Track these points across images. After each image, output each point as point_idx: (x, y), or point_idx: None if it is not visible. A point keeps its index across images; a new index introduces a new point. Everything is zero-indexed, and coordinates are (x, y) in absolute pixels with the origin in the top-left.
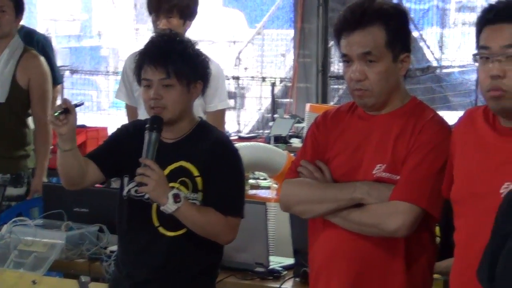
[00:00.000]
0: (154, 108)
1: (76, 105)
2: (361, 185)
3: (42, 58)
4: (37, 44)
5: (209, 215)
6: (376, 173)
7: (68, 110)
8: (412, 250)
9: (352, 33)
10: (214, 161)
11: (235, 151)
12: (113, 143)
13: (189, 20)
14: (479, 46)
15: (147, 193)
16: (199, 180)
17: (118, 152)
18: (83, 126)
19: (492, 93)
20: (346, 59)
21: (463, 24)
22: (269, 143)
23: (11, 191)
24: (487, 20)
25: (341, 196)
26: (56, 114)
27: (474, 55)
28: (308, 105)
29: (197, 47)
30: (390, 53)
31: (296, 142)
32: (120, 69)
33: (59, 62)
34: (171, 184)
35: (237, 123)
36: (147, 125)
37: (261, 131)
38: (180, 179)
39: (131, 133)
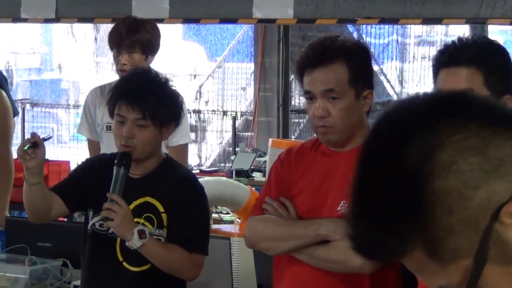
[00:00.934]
0: (125, 146)
1: (45, 139)
2: (326, 222)
3: (3, 93)
4: None
5: (174, 252)
6: (341, 209)
7: (36, 144)
8: (377, 287)
9: (315, 70)
10: (180, 198)
11: (200, 189)
12: (78, 177)
13: (151, 55)
14: (436, 89)
15: (113, 229)
16: (164, 216)
17: (83, 185)
18: (45, 160)
19: None
20: (309, 96)
21: (423, 58)
22: (231, 177)
23: None
24: (442, 62)
25: (306, 233)
26: (25, 148)
27: None
28: (270, 140)
29: (173, 86)
30: (353, 90)
31: (258, 176)
32: (81, 102)
33: (19, 95)
34: (136, 219)
35: (198, 157)
36: (116, 161)
37: (222, 164)
38: (145, 214)
39: (96, 167)
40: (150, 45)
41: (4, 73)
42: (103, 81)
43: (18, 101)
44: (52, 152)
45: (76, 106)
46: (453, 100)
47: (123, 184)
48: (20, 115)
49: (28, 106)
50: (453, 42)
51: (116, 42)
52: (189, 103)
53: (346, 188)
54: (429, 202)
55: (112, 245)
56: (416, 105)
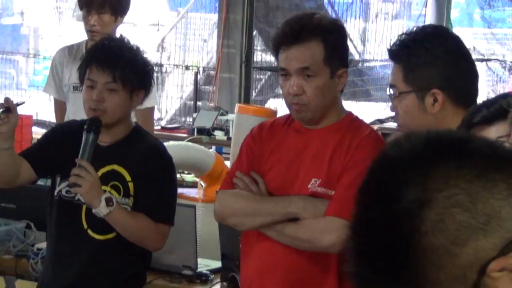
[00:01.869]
0: (94, 110)
1: (18, 104)
2: (297, 200)
3: None
4: None
5: (140, 221)
6: (311, 187)
7: (9, 109)
8: (344, 266)
9: (291, 48)
10: (148, 168)
11: (169, 159)
12: (47, 143)
13: (120, 16)
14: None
15: (81, 195)
16: (131, 185)
17: (52, 151)
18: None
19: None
20: (284, 72)
21: (386, 18)
22: (192, 134)
23: None
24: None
25: (276, 210)
26: None
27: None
28: (237, 106)
29: (145, 55)
30: (328, 68)
31: (219, 135)
32: (41, 50)
33: None
34: (103, 187)
35: (158, 110)
36: (85, 126)
37: (183, 118)
38: (112, 182)
39: (66, 133)
40: (120, 6)
41: None
42: (64, 27)
43: None
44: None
45: (36, 55)
46: (447, 146)
47: (92, 150)
48: None
49: None
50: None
51: (86, 2)
52: (150, 55)
53: (318, 166)
54: (417, 257)
55: (78, 212)
56: (408, 152)
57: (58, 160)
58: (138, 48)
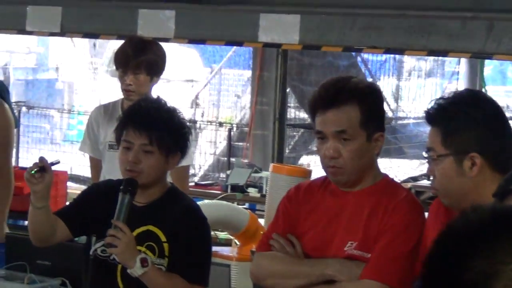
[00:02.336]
0: (130, 171)
1: (53, 164)
2: (333, 262)
3: (5, 105)
4: None
5: (175, 281)
6: (347, 250)
7: (44, 168)
8: None
9: (327, 111)
10: (183, 229)
11: (203, 220)
12: (83, 202)
13: (156, 77)
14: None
15: (116, 255)
16: (166, 245)
17: (88, 211)
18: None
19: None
20: (321, 136)
21: (419, 76)
22: (226, 191)
23: None
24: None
25: (312, 272)
26: (32, 172)
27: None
28: (271, 166)
29: (182, 115)
30: (365, 132)
31: (253, 192)
32: (75, 105)
33: (15, 97)
34: (138, 248)
35: (192, 167)
36: (121, 187)
37: (216, 174)
38: (147, 243)
39: (102, 193)
40: (156, 67)
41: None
42: (98, 83)
43: (14, 103)
44: (47, 155)
45: (71, 111)
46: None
47: (128, 211)
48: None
49: (24, 109)
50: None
51: (122, 62)
52: (184, 110)
53: (354, 228)
54: None
55: (113, 272)
56: (475, 224)
57: (93, 220)
58: (175, 109)
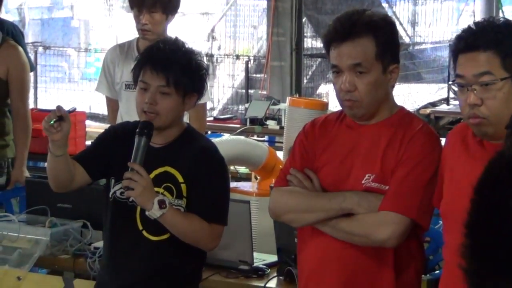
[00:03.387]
0: (146, 112)
1: (70, 111)
2: (351, 195)
3: (20, 49)
4: (7, 33)
5: (193, 222)
6: (365, 183)
7: (62, 117)
8: (401, 260)
9: (342, 45)
10: (200, 169)
11: (220, 160)
12: (101, 146)
13: (171, 15)
14: (455, 74)
15: (134, 198)
16: (183, 186)
17: (106, 155)
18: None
19: (472, 121)
20: (336, 69)
21: (434, 0)
22: (245, 124)
23: None
24: (459, 49)
25: (330, 206)
26: (51, 122)
27: (451, 82)
28: (288, 99)
29: (200, 58)
30: (380, 64)
31: (272, 124)
32: (92, 42)
33: (31, 37)
34: (156, 189)
35: (210, 101)
36: (137, 130)
37: (235, 107)
38: (165, 184)
39: (119, 135)
40: (171, 4)
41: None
42: (114, 19)
43: (31, 44)
44: (65, 94)
45: (87, 49)
46: None
47: (144, 154)
48: (32, 57)
49: (40, 49)
50: (469, 27)
51: (137, 1)
52: (200, 45)
53: (371, 161)
54: None
55: (133, 213)
56: None
57: (111, 163)
58: (192, 51)
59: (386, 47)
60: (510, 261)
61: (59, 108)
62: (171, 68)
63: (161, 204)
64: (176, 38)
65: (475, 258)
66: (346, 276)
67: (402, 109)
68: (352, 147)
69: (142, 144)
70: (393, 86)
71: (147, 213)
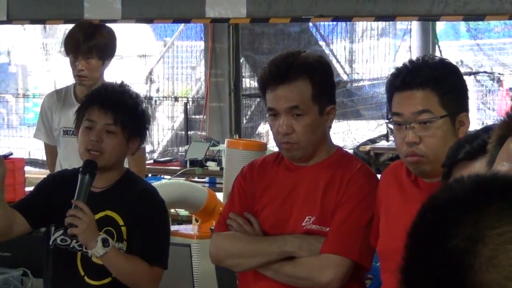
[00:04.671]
0: (90, 151)
1: (5, 156)
2: (292, 239)
3: None
4: None
5: (135, 263)
6: (305, 225)
7: None
8: None
9: (278, 88)
10: (140, 212)
11: (161, 202)
12: (40, 194)
13: (107, 60)
14: (392, 112)
15: (77, 235)
16: (123, 229)
17: (45, 202)
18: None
19: (410, 159)
20: (273, 112)
21: (371, 37)
22: (185, 166)
23: None
24: (395, 87)
25: (272, 250)
26: None
27: (388, 121)
28: (227, 141)
29: (143, 105)
30: (317, 106)
31: (212, 165)
32: (30, 87)
33: None
34: None
35: (150, 143)
36: (81, 168)
37: (175, 149)
38: (106, 228)
39: (58, 183)
40: (107, 50)
41: None
42: (51, 63)
43: None
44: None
45: (25, 95)
46: (498, 187)
47: (88, 192)
48: None
49: None
50: (404, 65)
51: (73, 48)
52: (138, 87)
53: (311, 203)
54: None
55: (74, 259)
56: (460, 193)
57: (51, 211)
58: (138, 96)
59: (322, 89)
60: None
61: None
62: (119, 107)
63: (105, 242)
64: (122, 82)
65: None
66: None
67: (339, 149)
68: (291, 189)
69: (86, 182)
70: (330, 127)
71: (90, 251)
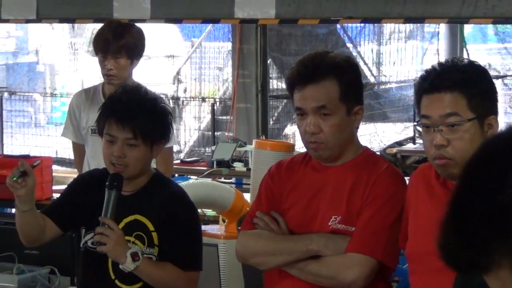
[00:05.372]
0: (115, 165)
1: (34, 166)
2: (318, 238)
3: None
4: None
5: (168, 271)
6: (331, 224)
7: (26, 172)
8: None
9: (306, 87)
10: (170, 217)
11: (190, 205)
12: (70, 197)
13: (136, 60)
14: (420, 115)
15: (106, 252)
16: (154, 235)
17: (74, 205)
18: (27, 156)
19: (438, 162)
20: (300, 112)
21: (399, 39)
22: (212, 167)
23: None
24: (424, 89)
25: (297, 249)
26: (14, 178)
27: (416, 123)
28: (254, 142)
29: (163, 103)
30: (344, 106)
31: (239, 166)
32: (57, 86)
33: None
34: (127, 238)
35: (177, 144)
36: (107, 183)
37: (202, 149)
38: (136, 233)
39: (87, 185)
40: (136, 50)
41: None
42: (79, 63)
43: None
44: (31, 139)
45: (53, 94)
46: None
47: (115, 207)
48: None
49: (6, 95)
50: (433, 67)
51: (102, 47)
52: (166, 87)
53: (337, 203)
54: None
55: (104, 263)
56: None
57: (81, 213)
58: (155, 97)
59: (349, 89)
60: (490, 237)
61: (22, 163)
62: (137, 120)
63: (134, 256)
64: (138, 85)
65: (453, 232)
66: None
67: (366, 149)
68: (318, 189)
69: (113, 198)
70: (357, 127)
71: (121, 266)
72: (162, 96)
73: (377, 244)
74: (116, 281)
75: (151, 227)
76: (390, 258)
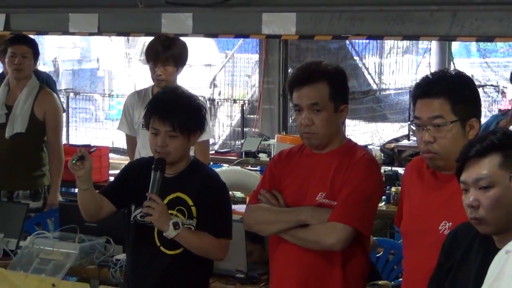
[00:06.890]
0: (159, 153)
1: (90, 152)
2: (306, 209)
3: (54, 95)
4: (42, 81)
5: (204, 238)
6: (318, 199)
7: (83, 157)
8: (347, 261)
9: (302, 88)
10: (207, 194)
11: (223, 185)
12: (122, 180)
13: (181, 67)
14: (413, 115)
15: (152, 222)
16: (193, 209)
17: (127, 187)
18: (87, 146)
19: (426, 155)
20: (297, 108)
21: (397, 53)
22: (241, 157)
23: (30, 204)
24: (417, 95)
25: (289, 218)
26: (74, 161)
27: (410, 122)
28: (276, 136)
29: (198, 100)
30: (333, 104)
31: (263, 157)
32: (114, 89)
33: (64, 84)
34: (170, 211)
35: (212, 137)
36: (153, 166)
37: (232, 143)
38: (178, 207)
39: (136, 170)
40: (181, 59)
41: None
42: (132, 70)
43: (63, 90)
44: (92, 132)
45: (110, 94)
46: None
47: (159, 185)
48: (64, 101)
49: (71, 95)
50: (426, 76)
51: (153, 56)
52: (203, 91)
53: (323, 182)
54: None
55: (151, 233)
56: None
57: (132, 193)
58: (191, 95)
59: (337, 91)
60: None
61: (80, 149)
62: (175, 115)
63: (176, 225)
64: (177, 86)
65: None
66: (304, 274)
67: (349, 141)
68: (309, 172)
69: (157, 178)
70: (343, 122)
71: (164, 234)
72: (200, 97)
73: (353, 215)
74: (161, 248)
75: (190, 202)
76: (364, 227)
